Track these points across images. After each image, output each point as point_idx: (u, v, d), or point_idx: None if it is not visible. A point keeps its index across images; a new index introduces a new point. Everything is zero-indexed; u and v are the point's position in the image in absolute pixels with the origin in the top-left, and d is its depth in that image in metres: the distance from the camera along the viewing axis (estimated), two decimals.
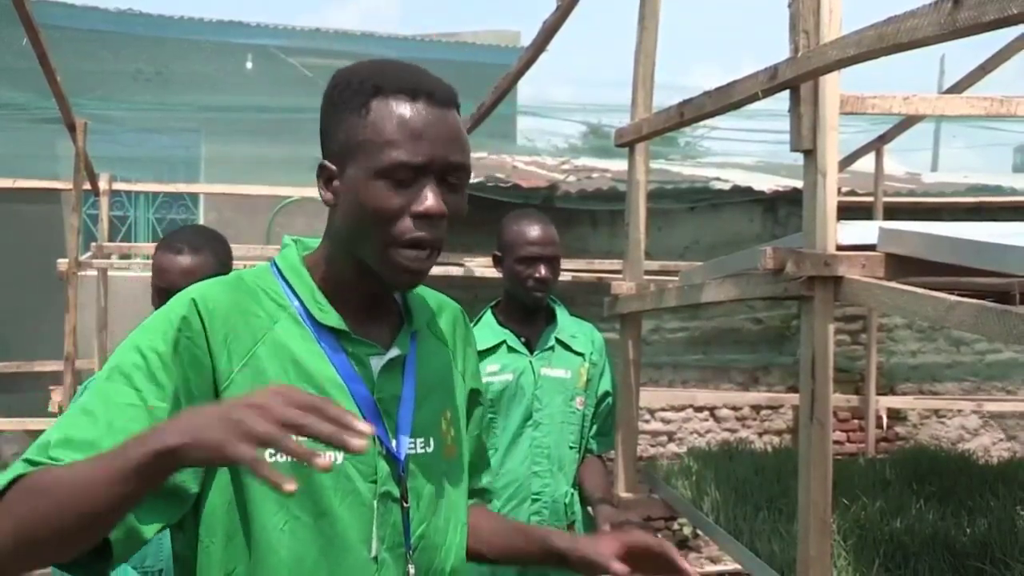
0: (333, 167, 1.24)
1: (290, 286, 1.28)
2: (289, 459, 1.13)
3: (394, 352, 1.30)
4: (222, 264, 2.28)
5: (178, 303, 1.24)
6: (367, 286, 1.29)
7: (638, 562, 1.31)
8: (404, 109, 1.21)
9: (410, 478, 1.28)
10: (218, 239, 2.34)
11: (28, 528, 1.01)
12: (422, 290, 1.44)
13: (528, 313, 2.87)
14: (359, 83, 1.23)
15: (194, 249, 2.23)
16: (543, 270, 2.77)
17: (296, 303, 1.27)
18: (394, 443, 1.27)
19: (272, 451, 1.15)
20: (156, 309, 2.20)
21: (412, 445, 1.29)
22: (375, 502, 1.24)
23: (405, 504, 1.26)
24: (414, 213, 1.21)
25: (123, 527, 1.10)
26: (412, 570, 1.26)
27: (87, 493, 0.99)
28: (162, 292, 2.19)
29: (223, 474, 1.20)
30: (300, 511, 1.20)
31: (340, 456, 1.20)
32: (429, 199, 1.21)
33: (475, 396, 1.52)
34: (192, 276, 2.18)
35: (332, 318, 1.26)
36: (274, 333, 1.24)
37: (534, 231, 2.79)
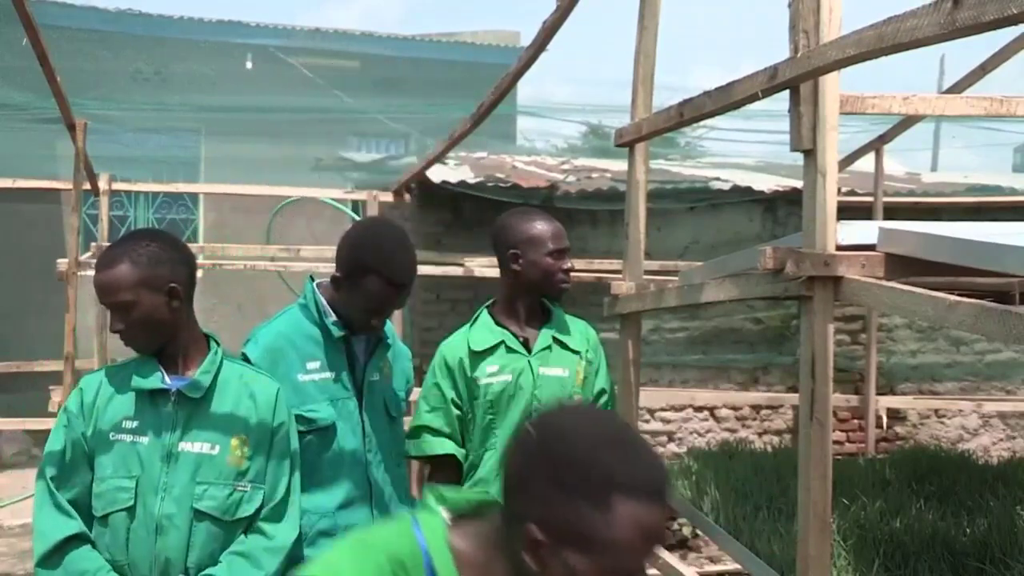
0: (545, 539, 1.22)
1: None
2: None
3: None
4: (151, 270, 2.20)
5: None
6: None
7: None
8: (647, 517, 1.21)
9: None
10: (142, 244, 2.23)
11: None
12: None
13: (526, 312, 2.87)
14: (599, 475, 1.20)
15: (109, 264, 2.20)
16: (569, 262, 2.84)
17: None
18: None
19: None
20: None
21: None
22: None
23: None
24: None
25: None
26: None
27: None
28: (108, 308, 2.23)
29: None
30: None
31: None
32: None
33: None
34: (108, 293, 2.19)
35: None
36: None
37: (554, 225, 2.89)
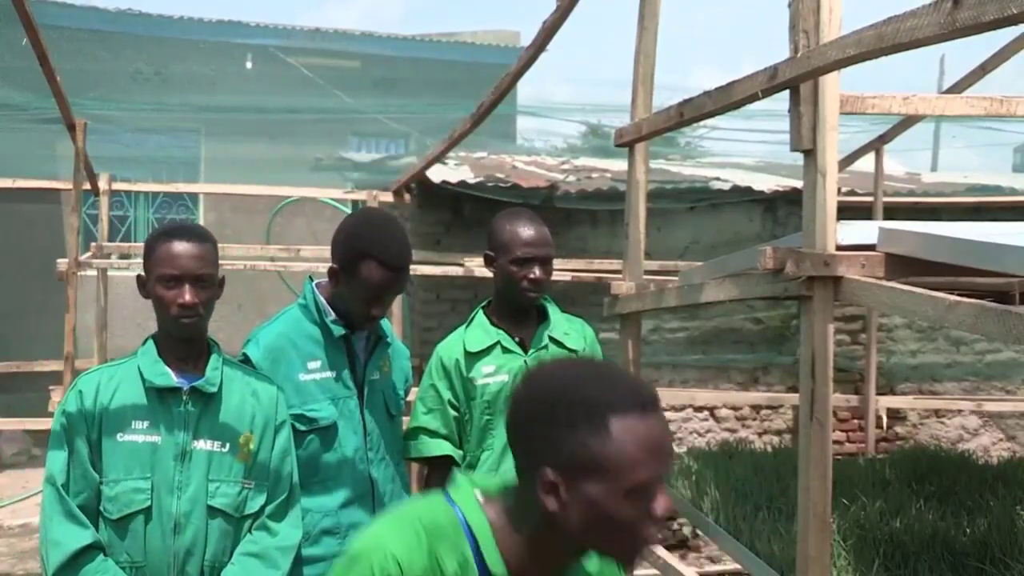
0: (559, 479, 1.29)
1: (479, 550, 1.37)
2: None
3: None
4: (218, 256, 2.28)
5: (380, 564, 1.31)
6: (564, 561, 1.38)
7: None
8: (645, 428, 1.29)
9: None
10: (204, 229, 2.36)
11: None
12: None
13: (521, 312, 2.86)
14: (591, 403, 1.29)
15: (201, 238, 2.23)
16: (537, 271, 2.76)
17: (476, 560, 1.36)
18: None
19: None
20: (147, 298, 2.20)
21: None
22: None
23: None
24: (655, 517, 1.30)
25: None
26: None
27: None
28: (173, 279, 2.16)
29: None
30: None
31: None
32: (665, 501, 1.31)
33: None
34: (201, 262, 2.18)
35: (500, 569, 1.36)
36: None
37: (529, 232, 2.78)
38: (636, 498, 1.28)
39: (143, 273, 2.25)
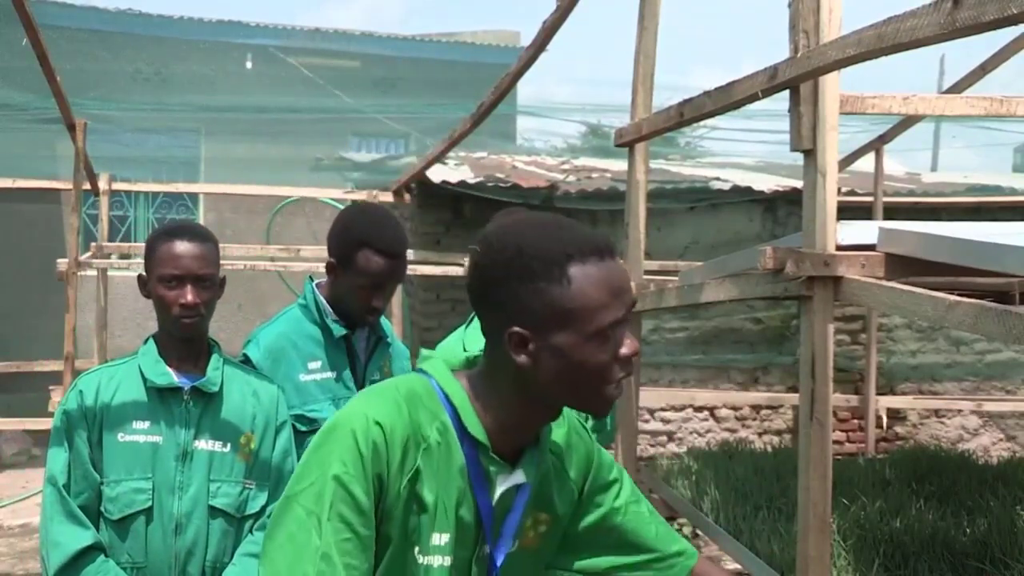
0: (527, 333, 1.31)
1: (457, 416, 1.38)
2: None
3: (519, 478, 1.40)
4: (220, 256, 2.29)
5: (362, 428, 1.30)
6: (539, 422, 1.41)
7: None
8: (604, 272, 1.31)
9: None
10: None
11: None
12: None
13: None
14: (548, 255, 1.30)
15: (203, 238, 2.23)
16: None
17: (455, 425, 1.38)
18: (487, 548, 1.40)
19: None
20: (147, 298, 2.21)
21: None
22: None
23: None
24: (621, 357, 1.34)
25: None
26: None
27: None
28: (174, 279, 2.16)
29: None
30: None
31: (447, 559, 1.36)
32: (632, 343, 1.35)
33: (599, 486, 1.57)
34: (202, 262, 2.18)
35: (480, 433, 1.37)
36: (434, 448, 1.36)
37: None
38: (603, 341, 1.30)
39: (144, 273, 2.25)
